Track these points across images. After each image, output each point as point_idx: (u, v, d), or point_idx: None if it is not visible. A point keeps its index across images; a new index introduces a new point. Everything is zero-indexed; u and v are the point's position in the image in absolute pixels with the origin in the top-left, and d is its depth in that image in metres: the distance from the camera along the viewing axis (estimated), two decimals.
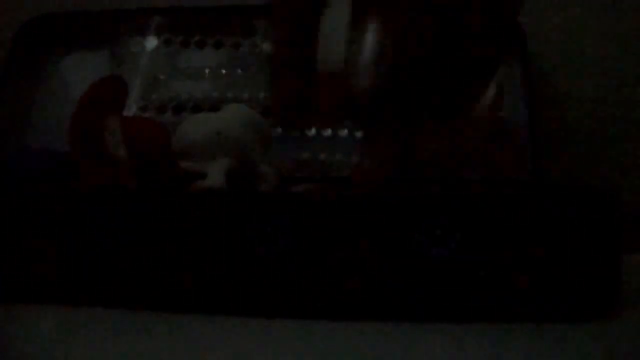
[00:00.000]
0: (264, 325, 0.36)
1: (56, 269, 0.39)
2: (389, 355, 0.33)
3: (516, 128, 0.65)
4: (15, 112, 0.67)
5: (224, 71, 0.65)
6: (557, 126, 0.69)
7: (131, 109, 0.64)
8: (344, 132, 0.62)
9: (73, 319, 0.37)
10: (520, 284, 0.37)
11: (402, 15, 0.41)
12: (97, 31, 0.68)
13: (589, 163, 0.69)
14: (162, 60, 0.67)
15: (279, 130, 0.62)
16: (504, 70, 0.67)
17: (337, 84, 0.43)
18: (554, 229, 0.37)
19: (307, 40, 0.43)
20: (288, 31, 0.45)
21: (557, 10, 0.69)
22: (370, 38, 0.42)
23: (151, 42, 0.67)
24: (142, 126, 0.49)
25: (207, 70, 0.65)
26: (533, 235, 0.37)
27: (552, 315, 0.37)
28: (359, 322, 0.37)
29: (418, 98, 0.42)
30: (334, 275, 0.37)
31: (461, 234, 0.37)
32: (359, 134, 0.61)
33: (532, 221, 0.37)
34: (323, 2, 0.43)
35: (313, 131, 0.62)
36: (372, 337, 0.35)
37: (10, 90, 0.67)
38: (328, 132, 0.62)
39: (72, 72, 0.68)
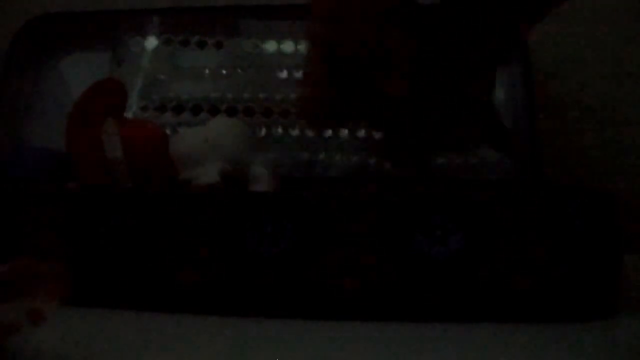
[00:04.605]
0: (264, 325, 0.36)
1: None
2: (389, 355, 0.33)
3: (516, 128, 0.65)
4: (15, 112, 0.67)
5: (224, 71, 0.65)
6: (557, 127, 0.69)
7: (131, 109, 0.64)
8: (344, 133, 0.62)
9: (73, 319, 0.37)
10: (521, 284, 0.37)
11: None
12: (97, 31, 0.68)
13: (589, 163, 0.69)
14: (162, 60, 0.67)
15: (279, 131, 0.62)
16: (504, 71, 0.67)
17: None
18: (554, 229, 0.37)
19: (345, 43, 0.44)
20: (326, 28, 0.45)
21: (558, 11, 0.69)
22: None
23: (151, 42, 0.67)
24: (140, 128, 0.49)
25: (207, 70, 0.65)
26: (533, 236, 0.37)
27: (552, 315, 0.37)
28: (359, 322, 0.37)
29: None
30: (334, 275, 0.37)
31: (461, 234, 0.37)
32: (359, 134, 0.62)
33: (533, 221, 0.37)
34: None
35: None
36: (372, 337, 0.35)
37: (10, 90, 0.67)
38: (328, 132, 0.62)
39: (72, 72, 0.68)
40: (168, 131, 0.62)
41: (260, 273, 0.37)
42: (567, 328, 0.36)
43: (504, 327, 0.36)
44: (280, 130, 0.62)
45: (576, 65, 0.69)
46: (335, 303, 0.37)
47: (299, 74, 0.63)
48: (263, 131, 0.62)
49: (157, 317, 0.37)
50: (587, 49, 0.69)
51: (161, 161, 0.47)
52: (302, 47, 0.64)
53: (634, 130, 0.68)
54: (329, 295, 0.37)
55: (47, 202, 0.39)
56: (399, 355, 0.33)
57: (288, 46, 0.64)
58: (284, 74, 0.64)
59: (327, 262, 0.37)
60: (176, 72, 0.66)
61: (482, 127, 0.45)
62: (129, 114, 0.62)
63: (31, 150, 0.60)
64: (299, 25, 0.63)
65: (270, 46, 0.65)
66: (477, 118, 0.45)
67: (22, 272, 0.31)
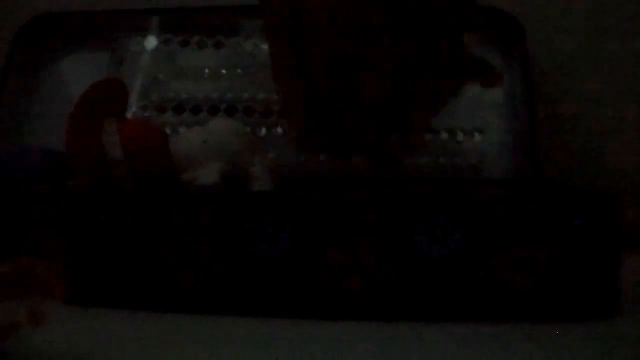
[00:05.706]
0: (263, 326, 0.36)
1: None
2: (389, 355, 0.33)
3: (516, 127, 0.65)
4: (15, 112, 0.67)
5: (224, 71, 0.65)
6: (556, 126, 0.69)
7: (131, 109, 0.64)
8: None
9: (73, 319, 0.37)
10: (521, 284, 0.37)
11: None
12: (97, 31, 0.68)
13: (589, 163, 0.69)
14: (162, 60, 0.67)
15: (279, 131, 0.62)
16: (504, 71, 0.67)
17: None
18: (554, 229, 0.37)
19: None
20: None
21: (558, 10, 0.69)
22: None
23: (151, 42, 0.67)
24: (140, 128, 0.49)
25: (207, 70, 0.65)
26: (533, 236, 0.37)
27: (552, 315, 0.37)
28: (359, 322, 0.37)
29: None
30: (334, 275, 0.37)
31: (461, 234, 0.37)
32: None
33: (533, 221, 0.37)
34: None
35: None
36: (372, 337, 0.35)
37: (10, 90, 0.67)
38: None
39: (72, 72, 0.68)
40: (168, 131, 0.62)
41: (260, 273, 0.37)
42: (567, 328, 0.36)
43: (504, 327, 0.36)
44: (280, 130, 0.62)
45: (578, 60, 0.69)
46: (335, 303, 0.37)
47: None
48: (263, 131, 0.62)
49: (157, 317, 0.37)
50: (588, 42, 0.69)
51: (161, 161, 0.47)
52: None
53: (635, 127, 0.68)
54: (329, 295, 0.37)
55: (47, 202, 0.39)
56: (399, 355, 0.33)
57: None
58: None
59: (327, 262, 0.37)
60: (176, 72, 0.66)
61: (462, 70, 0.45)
62: (129, 114, 0.63)
63: (31, 150, 0.60)
64: None
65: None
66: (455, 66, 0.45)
67: (22, 272, 0.31)
